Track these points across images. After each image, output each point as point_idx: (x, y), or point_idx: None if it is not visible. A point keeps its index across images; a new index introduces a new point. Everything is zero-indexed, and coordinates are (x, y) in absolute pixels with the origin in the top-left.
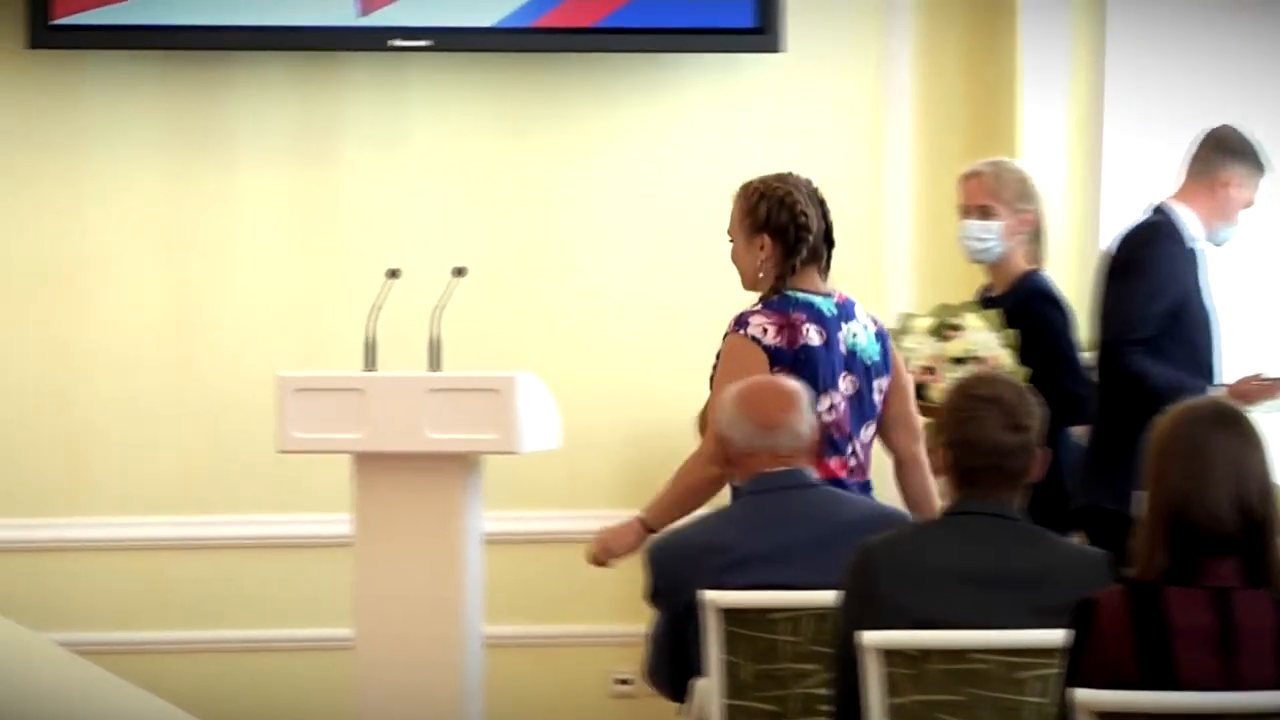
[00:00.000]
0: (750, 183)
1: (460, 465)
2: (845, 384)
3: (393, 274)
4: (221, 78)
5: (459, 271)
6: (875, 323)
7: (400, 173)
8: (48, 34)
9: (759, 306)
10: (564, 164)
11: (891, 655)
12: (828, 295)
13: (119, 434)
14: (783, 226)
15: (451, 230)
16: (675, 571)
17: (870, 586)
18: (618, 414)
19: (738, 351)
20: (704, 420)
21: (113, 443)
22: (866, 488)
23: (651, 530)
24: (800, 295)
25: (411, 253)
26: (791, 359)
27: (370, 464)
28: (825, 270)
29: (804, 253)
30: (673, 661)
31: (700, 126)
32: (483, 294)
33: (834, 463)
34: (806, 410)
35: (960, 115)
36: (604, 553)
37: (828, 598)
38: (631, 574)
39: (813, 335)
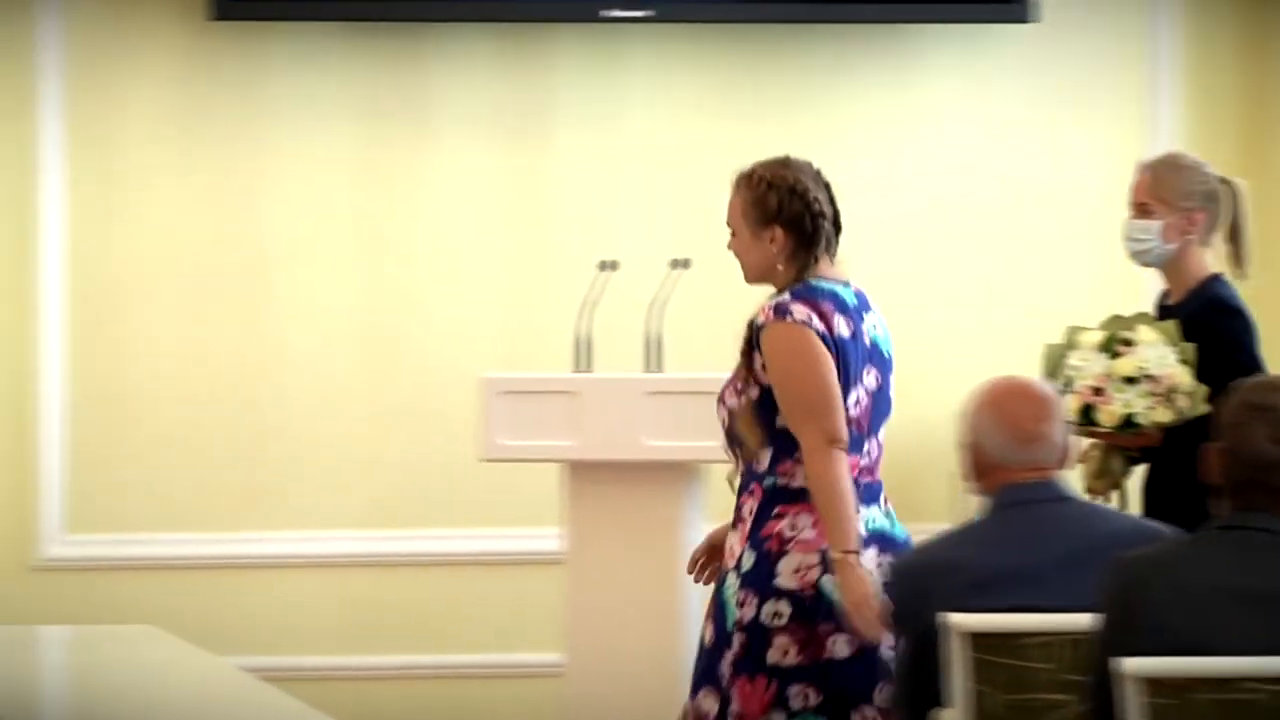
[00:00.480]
0: (753, 170)
1: (680, 475)
2: (869, 378)
3: (607, 266)
4: (418, 51)
5: (680, 263)
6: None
7: (614, 155)
8: (231, 4)
9: (789, 296)
10: (794, 145)
11: (1154, 684)
12: (846, 284)
13: (308, 442)
14: (797, 216)
15: (671, 218)
16: (916, 592)
17: (1130, 608)
18: None
19: (795, 337)
20: (750, 425)
21: (301, 451)
22: (878, 488)
23: (852, 553)
24: (824, 285)
25: (628, 243)
26: (834, 348)
27: (582, 473)
28: (834, 256)
29: (822, 242)
30: (914, 690)
31: (943, 105)
32: (706, 287)
33: (849, 461)
34: (1061, 417)
35: (1235, 101)
36: (862, 616)
37: (1083, 621)
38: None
39: (842, 326)
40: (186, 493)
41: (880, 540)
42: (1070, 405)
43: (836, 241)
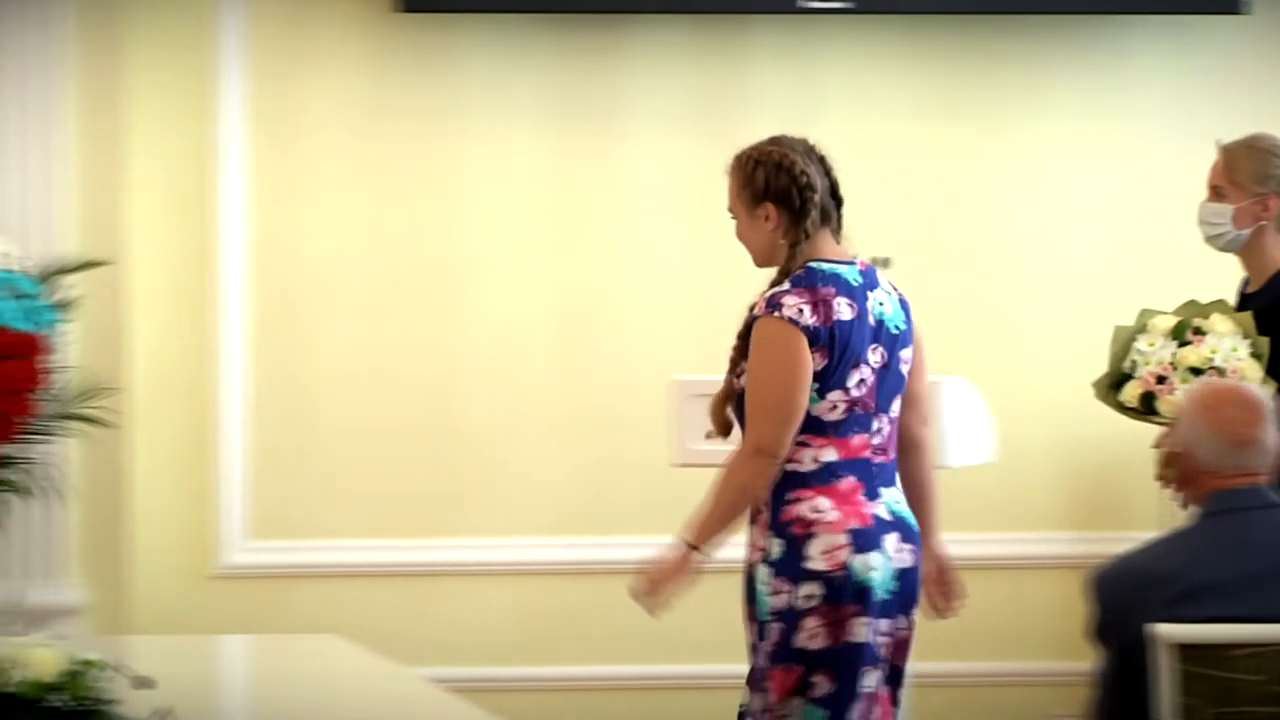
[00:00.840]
0: (743, 152)
1: None
2: (875, 356)
3: None
4: (610, 43)
5: (880, 262)
6: (895, 289)
7: None
8: None
9: (788, 286)
10: (998, 143)
11: None
12: (850, 262)
13: (496, 446)
14: (784, 191)
15: (869, 217)
16: (1121, 603)
17: None
18: (1058, 424)
19: (776, 335)
20: (721, 410)
21: (489, 456)
22: (892, 468)
23: (697, 550)
24: (825, 267)
25: None
26: (828, 337)
27: None
28: (838, 232)
29: (813, 214)
30: (1119, 705)
31: (1149, 100)
32: (904, 288)
33: (857, 440)
34: (1273, 420)
35: None
36: (650, 588)
37: None
38: (1071, 605)
39: (844, 309)
40: (371, 498)
41: (902, 528)
42: (1131, 392)
43: (838, 215)
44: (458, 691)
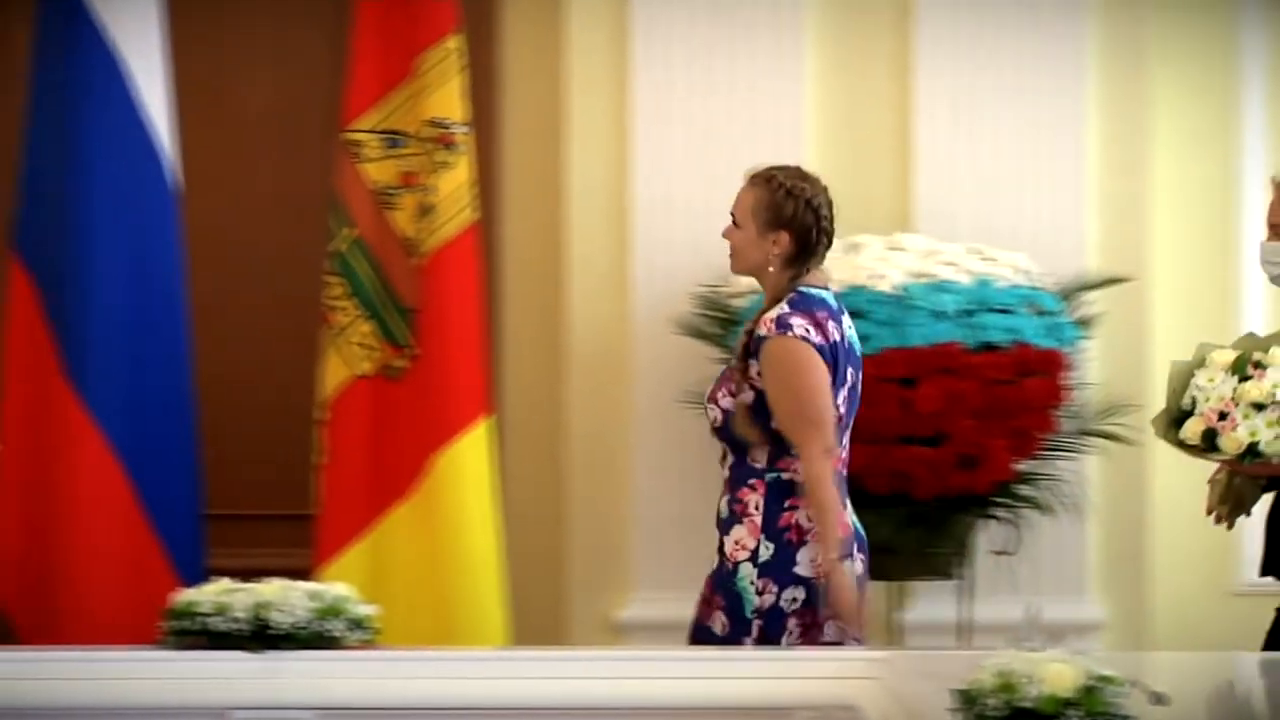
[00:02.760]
0: (774, 175)
1: None
2: (850, 376)
3: None
4: None
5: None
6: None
7: None
8: None
9: (788, 309)
10: None
11: None
12: (827, 288)
13: None
14: (806, 229)
15: None
16: None
17: None
18: None
19: (799, 353)
20: (750, 428)
21: None
22: (846, 482)
23: (841, 559)
24: (814, 291)
25: None
26: (829, 356)
27: None
28: (821, 260)
29: (820, 255)
30: None
31: None
32: None
33: (835, 454)
34: None
35: None
36: (851, 615)
37: None
38: None
39: (834, 331)
40: None
41: (859, 538)
42: (1193, 428)
43: (825, 252)
44: None
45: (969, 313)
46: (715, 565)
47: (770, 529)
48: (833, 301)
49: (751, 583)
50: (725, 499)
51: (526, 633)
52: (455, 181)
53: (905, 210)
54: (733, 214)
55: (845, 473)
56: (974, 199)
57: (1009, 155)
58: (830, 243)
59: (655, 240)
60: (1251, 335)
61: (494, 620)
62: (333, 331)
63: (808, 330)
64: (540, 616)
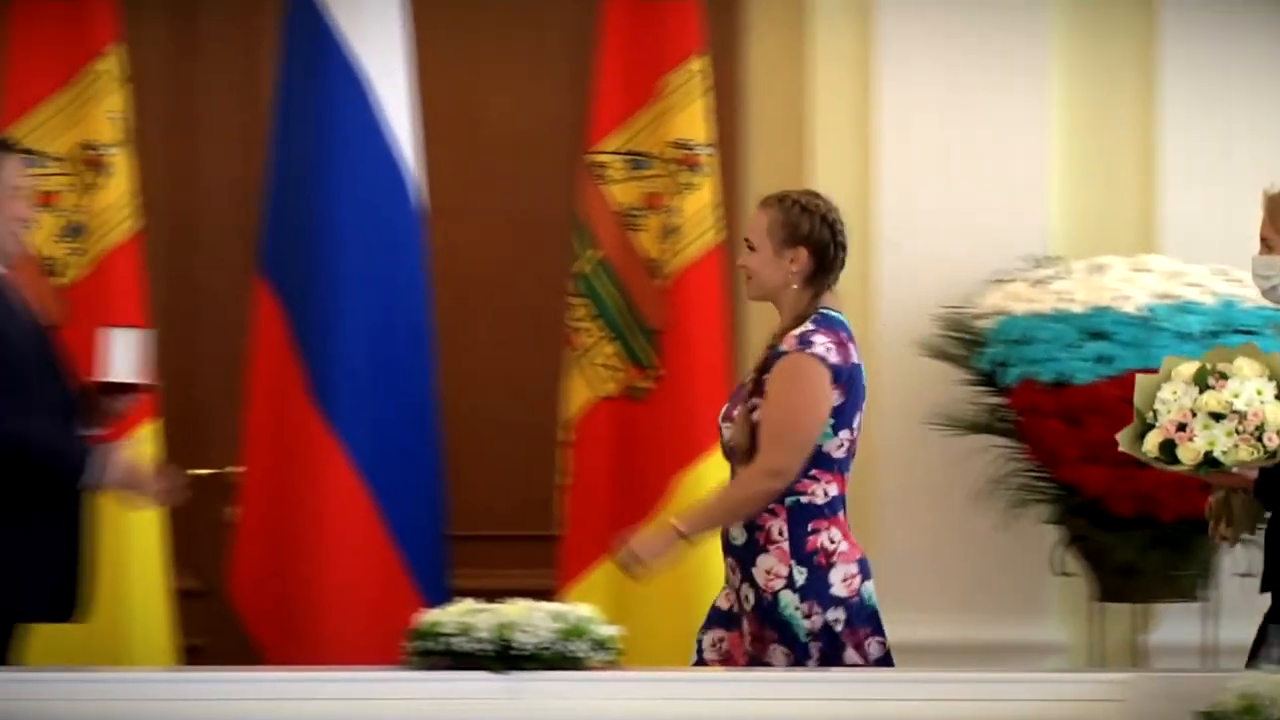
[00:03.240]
0: (786, 194)
1: None
2: (864, 401)
3: None
4: None
5: None
6: None
7: None
8: None
9: (812, 326)
10: None
11: None
12: (842, 311)
13: None
14: (823, 243)
15: None
16: None
17: None
18: None
19: (805, 371)
20: (747, 438)
21: None
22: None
23: (685, 538)
24: (834, 314)
25: None
26: (847, 377)
27: None
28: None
29: (837, 271)
30: None
31: None
32: None
33: (847, 477)
34: None
35: None
36: (632, 560)
37: None
38: None
39: (854, 354)
40: None
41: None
42: (1152, 440)
43: (841, 270)
44: None
45: (1214, 334)
46: (751, 601)
47: (799, 554)
48: (848, 324)
49: (796, 608)
50: (740, 524)
51: None
52: (699, 203)
53: (1150, 230)
54: (747, 239)
55: (845, 493)
56: (1220, 219)
57: (1258, 174)
58: (845, 260)
59: (899, 261)
60: (1223, 348)
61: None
62: (577, 353)
63: (829, 349)
64: None
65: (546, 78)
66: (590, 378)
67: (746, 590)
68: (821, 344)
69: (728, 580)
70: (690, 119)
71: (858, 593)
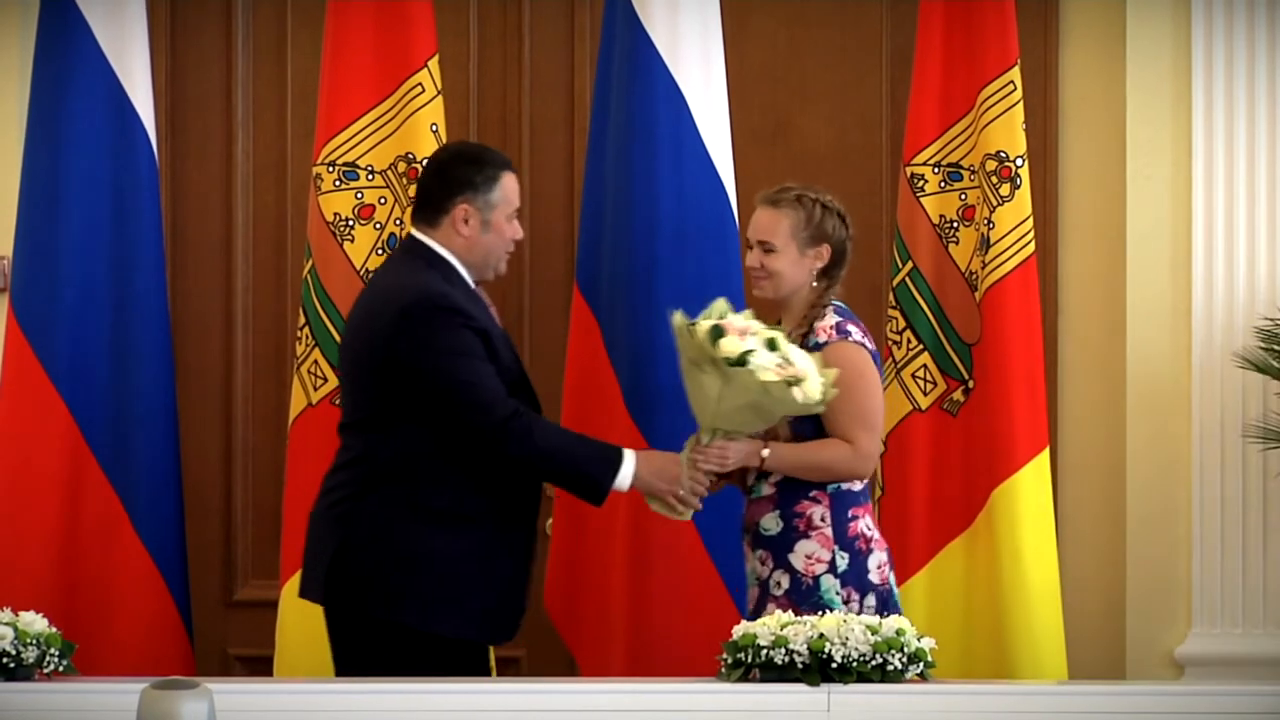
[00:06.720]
0: (801, 194)
1: None
2: None
3: None
4: None
5: None
6: None
7: None
8: None
9: (838, 318)
10: None
11: None
12: None
13: None
14: (842, 240)
15: None
16: None
17: None
18: None
19: (863, 358)
20: (787, 426)
21: None
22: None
23: (763, 463)
24: (842, 305)
25: None
26: (878, 362)
27: None
28: None
29: (847, 265)
30: None
31: None
32: None
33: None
34: None
35: None
36: (720, 458)
37: None
38: None
39: (870, 343)
40: None
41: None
42: (705, 328)
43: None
44: None
45: None
46: (785, 585)
47: (842, 539)
48: None
49: (837, 593)
50: (774, 514)
51: (1083, 666)
52: (1015, 215)
53: None
54: (761, 241)
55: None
56: None
57: None
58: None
59: (1215, 273)
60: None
61: (1053, 653)
62: (893, 364)
63: (864, 338)
64: (1097, 649)
65: (863, 90)
66: (906, 389)
67: (779, 576)
68: (857, 332)
69: (753, 577)
70: (1007, 131)
71: (887, 581)
